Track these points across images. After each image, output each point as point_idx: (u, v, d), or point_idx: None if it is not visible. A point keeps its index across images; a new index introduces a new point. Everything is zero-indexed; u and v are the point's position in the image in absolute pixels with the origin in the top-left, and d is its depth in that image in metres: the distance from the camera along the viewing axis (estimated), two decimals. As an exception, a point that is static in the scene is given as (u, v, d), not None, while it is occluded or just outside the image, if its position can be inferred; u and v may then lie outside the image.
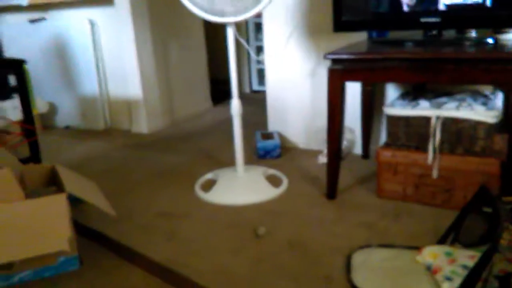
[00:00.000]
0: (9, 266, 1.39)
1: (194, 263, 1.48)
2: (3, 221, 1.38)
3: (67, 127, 3.42)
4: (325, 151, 2.29)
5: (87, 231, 1.72)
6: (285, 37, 2.45)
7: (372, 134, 2.32)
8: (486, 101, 1.73)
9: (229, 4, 1.73)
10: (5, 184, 1.48)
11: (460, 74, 1.51)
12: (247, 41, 4.22)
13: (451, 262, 1.28)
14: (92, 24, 3.09)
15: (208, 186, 2.07)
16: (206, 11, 1.76)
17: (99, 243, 1.65)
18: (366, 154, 2.33)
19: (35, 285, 1.41)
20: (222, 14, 1.76)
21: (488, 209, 1.31)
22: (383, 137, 2.33)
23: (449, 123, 1.66)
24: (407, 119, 1.74)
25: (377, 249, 1.47)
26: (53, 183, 1.79)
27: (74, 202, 1.59)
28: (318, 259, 1.46)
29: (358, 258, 1.42)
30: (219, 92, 4.02)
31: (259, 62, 4.27)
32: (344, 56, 1.68)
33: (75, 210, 1.63)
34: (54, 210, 1.45)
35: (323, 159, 2.29)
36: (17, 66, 2.18)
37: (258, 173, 2.12)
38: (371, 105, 2.23)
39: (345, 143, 2.29)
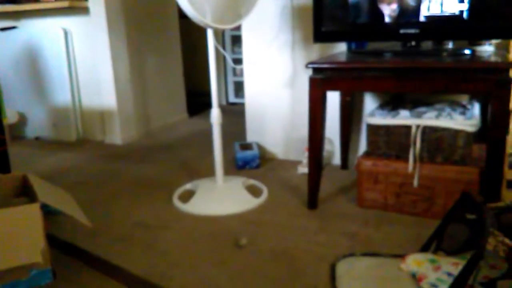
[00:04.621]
0: (-24, 280, 1.31)
1: (175, 275, 1.43)
2: (-29, 232, 1.31)
3: (37, 138, 3.31)
4: (305, 161, 2.29)
5: (60, 243, 1.65)
6: (264, 47, 2.45)
7: (350, 144, 2.33)
8: (464, 110, 1.77)
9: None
10: (-26, 193, 1.41)
11: (440, 84, 1.53)
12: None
13: (436, 269, 1.28)
14: (66, 33, 3.02)
15: (187, 196, 2.03)
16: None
17: (72, 255, 1.58)
18: (344, 164, 2.34)
19: (4, 301, 1.33)
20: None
21: (470, 216, 1.32)
22: (361, 148, 2.34)
23: (429, 132, 1.69)
24: (387, 128, 1.75)
25: (361, 257, 1.46)
26: (24, 193, 1.71)
27: (46, 213, 1.52)
28: (302, 268, 1.43)
29: (342, 267, 1.40)
30: (195, 104, 4.01)
31: (236, 74, 4.27)
32: (326, 66, 1.69)
33: (47, 222, 1.56)
34: (27, 220, 1.37)
35: (302, 169, 2.28)
36: (-13, 72, 2.11)
37: (238, 183, 2.09)
38: (350, 116, 2.25)
39: (324, 154, 2.29)
